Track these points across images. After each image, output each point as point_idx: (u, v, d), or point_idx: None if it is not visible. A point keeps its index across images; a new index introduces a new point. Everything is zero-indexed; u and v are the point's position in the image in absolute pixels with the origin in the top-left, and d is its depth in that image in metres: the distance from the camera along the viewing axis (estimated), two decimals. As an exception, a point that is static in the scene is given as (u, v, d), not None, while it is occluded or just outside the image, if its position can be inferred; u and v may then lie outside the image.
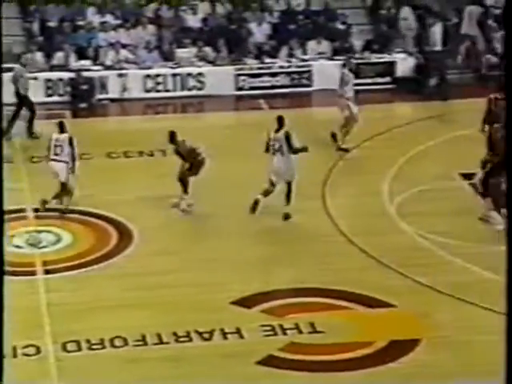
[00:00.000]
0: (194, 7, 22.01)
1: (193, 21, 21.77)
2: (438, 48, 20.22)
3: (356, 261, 12.25)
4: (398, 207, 13.89)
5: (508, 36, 4.32)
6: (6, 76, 16.38)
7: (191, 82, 20.07)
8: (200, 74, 20.16)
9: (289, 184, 13.47)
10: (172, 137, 13.99)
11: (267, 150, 13.52)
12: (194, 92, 19.94)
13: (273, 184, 13.48)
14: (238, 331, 10.40)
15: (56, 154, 13.67)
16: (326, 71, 20.45)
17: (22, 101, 17.47)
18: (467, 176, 14.79)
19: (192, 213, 13.81)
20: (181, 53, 20.61)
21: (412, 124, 17.78)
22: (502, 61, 20.22)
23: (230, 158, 15.45)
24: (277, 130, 13.45)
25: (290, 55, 20.80)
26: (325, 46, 21.03)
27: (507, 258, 4.49)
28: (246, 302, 11.00)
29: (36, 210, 13.70)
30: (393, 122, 18.00)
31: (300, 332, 10.44)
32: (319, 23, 21.68)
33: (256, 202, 13.36)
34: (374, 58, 20.51)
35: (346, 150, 16.35)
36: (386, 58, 20.51)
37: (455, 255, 12.23)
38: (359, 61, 20.40)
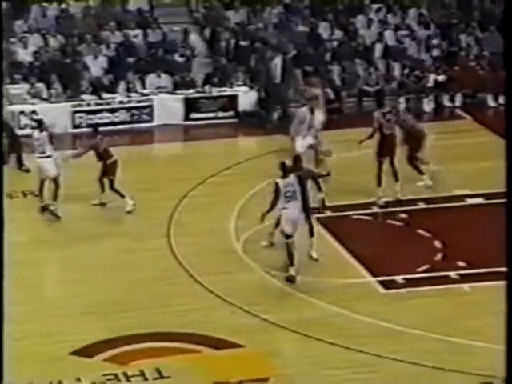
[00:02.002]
0: (24, 40, 21.90)
1: (23, 54, 21.63)
2: (278, 81, 20.99)
3: (202, 301, 12.52)
4: (245, 244, 14.30)
5: (508, 37, 4.58)
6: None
7: (24, 121, 19.92)
8: (33, 111, 20.05)
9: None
10: (96, 132, 16.24)
11: (275, 200, 12.90)
12: (28, 131, 19.80)
13: (288, 236, 12.84)
14: (79, 381, 10.45)
15: (41, 152, 15.29)
16: (168, 106, 20.84)
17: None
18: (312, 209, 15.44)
19: (27, 261, 13.80)
20: (12, 89, 20.44)
21: (257, 158, 18.34)
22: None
23: (71, 199, 15.46)
24: (283, 177, 12.95)
25: (129, 90, 21.04)
26: (165, 79, 21.40)
27: (507, 259, 4.77)
28: (86, 352, 11.06)
29: None
30: (237, 156, 18.52)
31: (145, 379, 10.61)
32: (158, 56, 22.05)
33: (290, 279, 12.85)
34: (216, 91, 21.06)
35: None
36: (227, 91, 21.10)
37: (301, 291, 12.72)
38: (200, 94, 20.91)
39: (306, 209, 13.17)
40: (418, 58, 22.86)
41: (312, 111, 16.88)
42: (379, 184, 15.80)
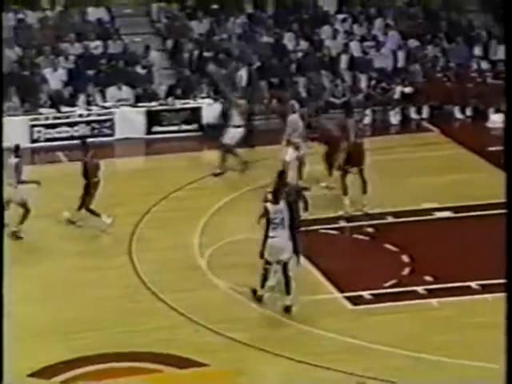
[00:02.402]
0: (-20, 52, 21.75)
1: (-21, 67, 21.48)
2: (243, 93, 21.01)
3: (165, 319, 12.45)
4: (209, 260, 14.26)
5: (508, 37, 4.64)
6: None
7: (-21, 135, 19.76)
8: (-11, 125, 19.88)
9: (285, 266, 12.59)
10: (85, 145, 16.09)
11: (267, 228, 12.51)
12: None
13: (268, 263, 12.58)
14: (38, 404, 10.38)
15: (7, 178, 14.54)
16: (129, 119, 20.78)
17: None
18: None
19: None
20: (-33, 102, 20.29)
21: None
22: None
23: (34, 216, 15.34)
24: (275, 202, 12.59)
25: (89, 103, 20.95)
26: (126, 91, 21.34)
27: (507, 260, 4.76)
28: (45, 373, 10.97)
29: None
30: (201, 170, 18.50)
31: (107, 400, 10.55)
32: (119, 68, 21.98)
33: (259, 299, 12.76)
34: (179, 104, 21.03)
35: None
36: (190, 103, 21.07)
37: (267, 308, 12.70)
38: (163, 107, 20.86)
39: (293, 234, 12.75)
40: (385, 69, 23.01)
41: (302, 118, 17.09)
42: (345, 193, 15.87)
